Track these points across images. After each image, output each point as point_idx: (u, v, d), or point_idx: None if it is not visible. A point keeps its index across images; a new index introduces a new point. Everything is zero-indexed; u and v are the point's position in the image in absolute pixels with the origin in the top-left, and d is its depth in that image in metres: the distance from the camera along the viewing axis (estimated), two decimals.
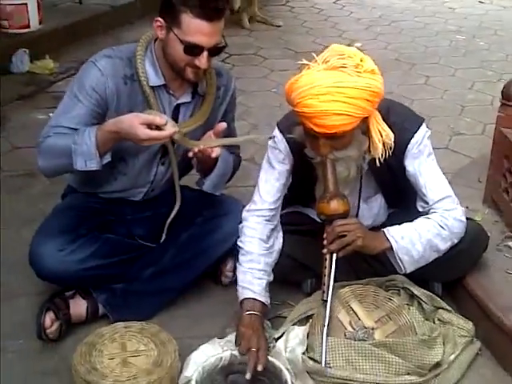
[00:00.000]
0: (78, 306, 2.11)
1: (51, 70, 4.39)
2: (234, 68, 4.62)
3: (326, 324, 1.85)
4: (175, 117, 2.10)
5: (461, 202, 2.08)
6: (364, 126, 1.87)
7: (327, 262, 1.89)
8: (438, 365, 1.86)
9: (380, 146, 1.88)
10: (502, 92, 2.53)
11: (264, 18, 5.93)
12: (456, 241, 2.01)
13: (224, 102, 2.20)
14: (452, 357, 1.91)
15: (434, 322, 1.98)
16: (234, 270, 2.29)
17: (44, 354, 2.02)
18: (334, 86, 1.74)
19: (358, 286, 2.07)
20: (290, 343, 1.88)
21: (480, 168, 2.82)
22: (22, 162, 3.27)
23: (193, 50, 1.90)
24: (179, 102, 2.09)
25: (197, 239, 2.22)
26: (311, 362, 1.82)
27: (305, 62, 1.85)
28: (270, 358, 1.82)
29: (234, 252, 2.21)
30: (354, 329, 1.92)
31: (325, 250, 1.89)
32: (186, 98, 2.10)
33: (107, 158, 1.97)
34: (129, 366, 1.84)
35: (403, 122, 1.99)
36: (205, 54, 1.91)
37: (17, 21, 4.66)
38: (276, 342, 1.93)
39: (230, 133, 2.16)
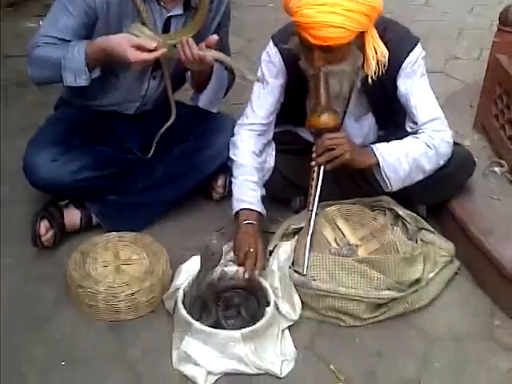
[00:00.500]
0: (72, 216, 2.16)
1: None
2: None
3: (310, 234, 1.92)
4: (166, 29, 2.08)
5: (451, 126, 2.10)
6: (359, 42, 1.86)
7: (315, 174, 1.93)
8: (417, 281, 1.94)
9: (374, 63, 1.88)
10: (500, 17, 2.50)
11: None
12: (442, 162, 2.04)
13: (217, 15, 2.17)
14: (431, 274, 1.99)
15: (416, 242, 2.05)
16: (225, 186, 2.36)
17: (39, 260, 2.09)
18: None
19: (344, 205, 2.12)
20: (280, 258, 1.94)
21: (473, 93, 2.83)
22: (13, 71, 3.24)
23: None
24: (170, 14, 2.07)
25: (189, 154, 2.25)
26: (296, 275, 1.90)
27: None
28: (259, 277, 1.90)
29: (225, 169, 2.25)
30: (338, 245, 1.98)
31: (313, 163, 1.92)
32: (178, 11, 2.07)
33: (96, 73, 1.98)
34: (122, 273, 1.92)
35: (399, 40, 1.98)
36: None
37: None
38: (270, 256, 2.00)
39: (223, 47, 2.15)
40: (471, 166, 2.21)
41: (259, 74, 2.10)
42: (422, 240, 2.08)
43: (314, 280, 1.86)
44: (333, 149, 1.90)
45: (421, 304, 1.93)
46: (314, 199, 1.93)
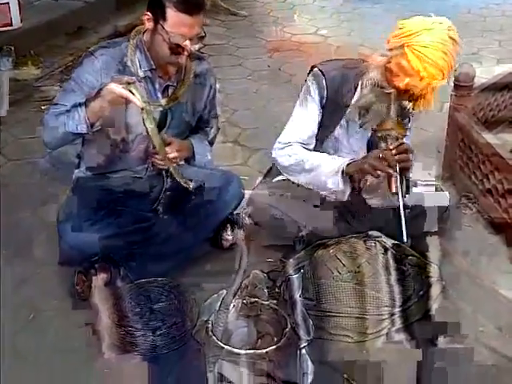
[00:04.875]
0: (103, 269, 2.40)
1: (35, 76, 4.56)
2: (209, 58, 4.93)
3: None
4: (165, 95, 2.43)
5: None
6: None
7: (395, 174, 2.26)
8: (409, 298, 2.26)
9: None
10: (454, 82, 2.92)
11: (227, 9, 6.17)
12: None
13: (204, 90, 2.55)
14: (420, 293, 2.30)
15: (405, 266, 2.37)
16: (234, 234, 2.67)
17: (77, 310, 2.34)
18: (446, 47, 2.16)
19: (342, 243, 2.43)
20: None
21: (439, 140, 3.24)
22: (24, 151, 3.55)
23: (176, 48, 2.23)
24: (167, 83, 2.43)
25: (199, 208, 2.55)
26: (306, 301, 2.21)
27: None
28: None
29: (232, 219, 2.60)
30: (339, 273, 2.30)
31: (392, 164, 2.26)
32: (173, 82, 2.44)
33: (97, 127, 2.28)
34: (156, 313, 2.21)
35: None
36: (187, 41, 2.22)
37: (0, 20, 4.89)
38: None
39: (209, 122, 2.65)
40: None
41: None
42: (409, 264, 2.40)
43: (322, 303, 2.17)
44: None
45: (416, 317, 2.23)
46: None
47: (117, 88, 2.15)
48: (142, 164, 2.55)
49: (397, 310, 2.20)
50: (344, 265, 2.32)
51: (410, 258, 2.44)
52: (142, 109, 2.19)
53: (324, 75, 2.40)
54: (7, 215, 2.84)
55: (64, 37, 5.32)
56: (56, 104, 2.36)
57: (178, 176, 2.43)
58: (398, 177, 2.25)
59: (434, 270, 2.42)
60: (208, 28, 5.59)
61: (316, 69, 2.43)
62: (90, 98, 2.24)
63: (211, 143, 2.72)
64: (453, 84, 2.98)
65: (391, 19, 5.83)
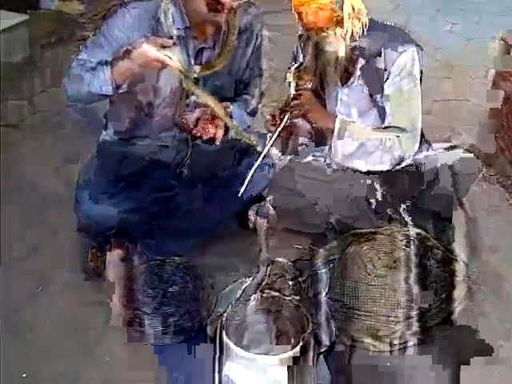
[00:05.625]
0: (119, 244, 2.27)
1: (80, 11, 4.46)
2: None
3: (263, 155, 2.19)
4: (199, 60, 2.20)
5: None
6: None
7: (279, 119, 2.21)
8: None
9: (350, 20, 2.11)
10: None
11: None
12: (384, 166, 2.24)
13: (247, 52, 2.29)
14: (443, 295, 2.08)
15: (429, 260, 2.15)
16: None
17: (89, 285, 2.22)
18: None
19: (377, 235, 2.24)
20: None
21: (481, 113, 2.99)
22: (54, 101, 3.40)
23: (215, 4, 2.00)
24: (202, 46, 2.20)
25: (227, 183, 2.34)
26: None
27: None
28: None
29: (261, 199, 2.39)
30: (374, 266, 2.11)
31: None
32: (209, 44, 2.20)
33: (123, 89, 2.07)
34: (168, 297, 2.07)
35: (395, 40, 2.17)
36: None
37: None
38: None
39: (249, 87, 2.39)
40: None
41: None
42: (434, 259, 2.17)
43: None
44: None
45: (436, 321, 2.02)
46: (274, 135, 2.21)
47: (151, 51, 1.95)
48: (167, 131, 2.34)
49: (415, 312, 1.99)
50: (380, 258, 2.11)
51: (434, 250, 2.20)
52: (181, 72, 1.98)
53: None
54: (25, 173, 2.71)
55: None
56: (81, 57, 2.14)
57: (237, 132, 2.21)
58: (280, 125, 2.19)
59: (460, 269, 2.17)
60: None
61: None
62: (118, 57, 2.02)
63: (252, 114, 2.47)
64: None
65: None
